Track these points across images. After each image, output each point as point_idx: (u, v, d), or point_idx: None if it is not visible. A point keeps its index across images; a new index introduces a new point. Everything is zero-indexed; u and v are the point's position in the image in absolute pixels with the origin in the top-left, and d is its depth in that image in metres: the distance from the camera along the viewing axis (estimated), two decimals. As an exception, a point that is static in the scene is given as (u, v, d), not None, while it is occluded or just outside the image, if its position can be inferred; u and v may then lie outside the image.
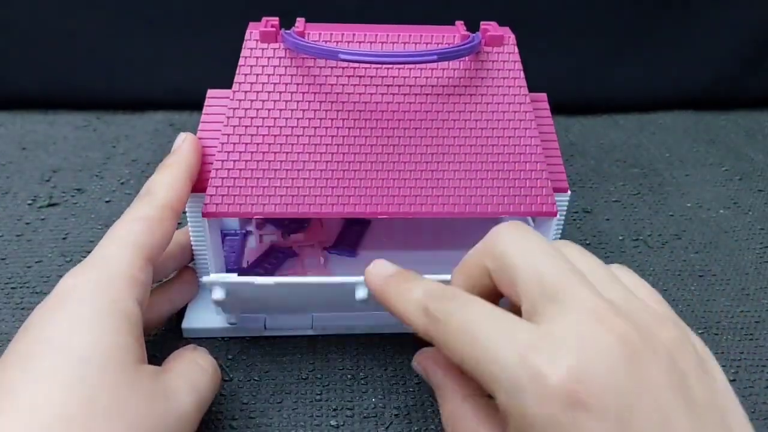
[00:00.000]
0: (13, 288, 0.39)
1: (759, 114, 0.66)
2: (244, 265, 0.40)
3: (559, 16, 0.61)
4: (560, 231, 0.36)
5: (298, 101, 0.33)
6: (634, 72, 0.64)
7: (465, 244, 0.38)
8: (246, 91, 0.33)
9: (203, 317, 0.36)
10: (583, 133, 0.62)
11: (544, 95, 0.37)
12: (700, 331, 0.38)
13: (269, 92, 0.33)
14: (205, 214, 0.32)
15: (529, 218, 0.44)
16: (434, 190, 0.34)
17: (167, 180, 0.30)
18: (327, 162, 0.33)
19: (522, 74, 0.35)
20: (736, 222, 0.49)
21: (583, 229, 0.47)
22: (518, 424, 0.21)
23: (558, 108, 0.39)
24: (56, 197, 0.48)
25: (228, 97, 0.33)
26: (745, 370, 0.36)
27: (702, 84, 0.66)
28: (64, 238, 0.44)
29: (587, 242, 0.46)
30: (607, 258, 0.44)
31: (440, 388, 0.27)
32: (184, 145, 0.32)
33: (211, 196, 0.32)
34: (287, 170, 0.33)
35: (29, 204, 0.47)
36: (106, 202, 0.48)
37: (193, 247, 0.35)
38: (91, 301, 0.25)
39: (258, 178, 0.33)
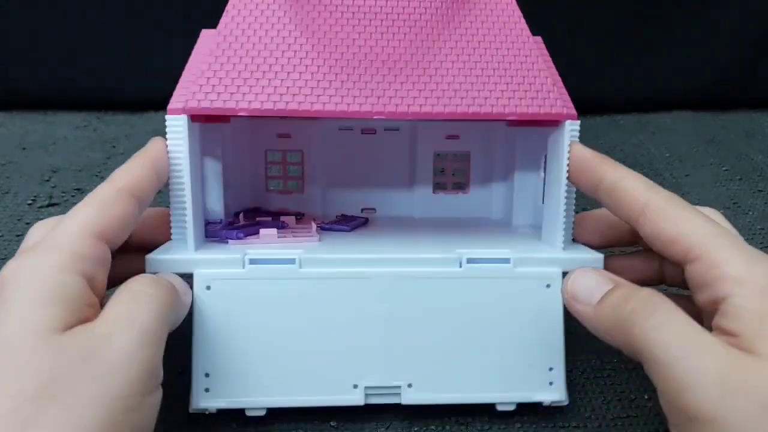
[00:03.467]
0: (13, 288, 0.39)
1: (759, 114, 0.66)
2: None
3: (558, 16, 0.61)
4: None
5: (291, 4, 0.33)
6: (634, 72, 0.64)
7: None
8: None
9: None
10: (583, 133, 0.62)
11: (539, 38, 0.37)
12: (700, 331, 0.38)
13: (269, 3, 0.33)
14: (186, 110, 0.30)
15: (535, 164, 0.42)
16: (439, 86, 0.32)
17: (128, 166, 0.30)
18: (325, 59, 0.32)
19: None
20: (736, 222, 0.48)
21: (583, 229, 0.47)
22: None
23: (558, 108, 0.39)
24: (56, 197, 0.48)
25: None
26: (746, 369, 0.35)
27: (702, 84, 0.65)
28: (64, 238, 0.44)
29: (587, 242, 0.45)
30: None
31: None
32: (151, 142, 0.32)
33: (195, 92, 0.30)
34: (283, 65, 0.31)
35: (29, 204, 0.47)
36: (106, 202, 0.48)
37: (171, 175, 0.31)
38: (25, 279, 0.25)
39: (252, 71, 0.31)
